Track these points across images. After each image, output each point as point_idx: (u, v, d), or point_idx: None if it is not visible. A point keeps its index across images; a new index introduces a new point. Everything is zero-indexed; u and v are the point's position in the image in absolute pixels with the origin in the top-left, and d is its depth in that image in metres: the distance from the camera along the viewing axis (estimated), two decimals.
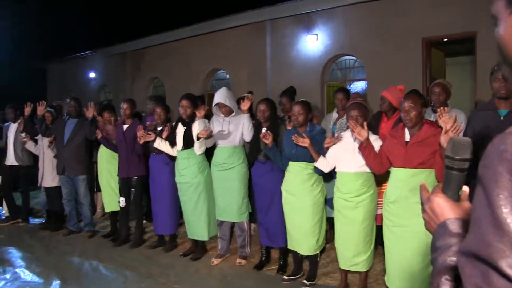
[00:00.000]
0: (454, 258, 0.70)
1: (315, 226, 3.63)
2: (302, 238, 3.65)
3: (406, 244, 2.89)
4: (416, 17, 7.07)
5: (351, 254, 3.36)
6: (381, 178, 3.45)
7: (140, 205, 4.97)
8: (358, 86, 8.21)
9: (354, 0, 7.57)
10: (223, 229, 4.38)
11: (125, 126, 4.91)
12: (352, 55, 8.17)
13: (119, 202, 4.96)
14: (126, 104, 4.92)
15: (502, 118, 2.77)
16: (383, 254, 3.45)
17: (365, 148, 3.04)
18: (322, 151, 3.46)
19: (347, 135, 3.41)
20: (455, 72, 8.19)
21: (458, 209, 0.81)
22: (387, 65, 7.43)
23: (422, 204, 0.89)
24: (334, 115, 4.64)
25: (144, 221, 5.21)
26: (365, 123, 3.07)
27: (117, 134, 4.92)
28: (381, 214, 3.51)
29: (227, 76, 9.89)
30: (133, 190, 4.89)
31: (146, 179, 4.80)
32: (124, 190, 4.90)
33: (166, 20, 10.31)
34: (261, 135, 3.73)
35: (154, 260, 4.47)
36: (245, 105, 4.07)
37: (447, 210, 0.81)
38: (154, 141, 4.37)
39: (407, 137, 2.91)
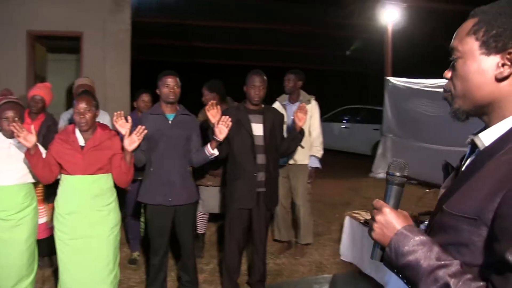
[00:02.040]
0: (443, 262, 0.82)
1: None
2: None
3: (89, 254, 2.71)
4: (22, 8, 6.53)
5: (13, 282, 2.82)
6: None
7: None
8: None
9: None
10: None
11: None
12: None
13: None
14: None
15: (170, 122, 3.05)
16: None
17: (32, 156, 2.60)
18: None
19: None
20: (58, 68, 8.13)
21: (405, 218, 0.96)
22: None
23: (372, 217, 0.98)
24: None
25: None
26: (32, 127, 2.64)
27: None
28: (43, 225, 3.21)
29: None
30: None
31: None
32: None
33: None
34: None
35: None
36: None
37: (399, 219, 0.94)
38: None
39: (81, 141, 2.73)
